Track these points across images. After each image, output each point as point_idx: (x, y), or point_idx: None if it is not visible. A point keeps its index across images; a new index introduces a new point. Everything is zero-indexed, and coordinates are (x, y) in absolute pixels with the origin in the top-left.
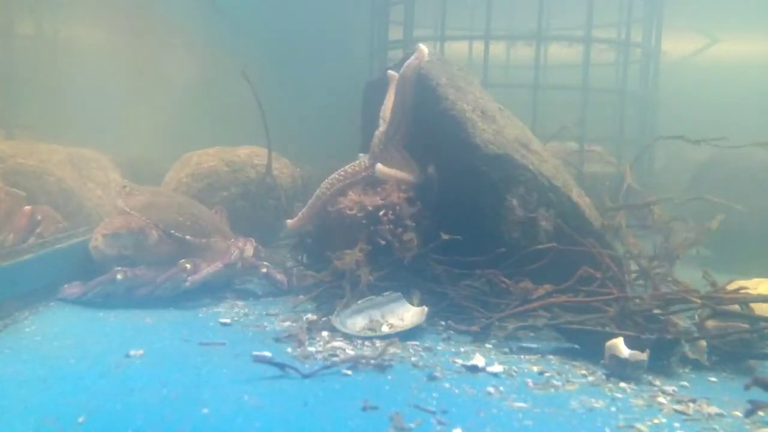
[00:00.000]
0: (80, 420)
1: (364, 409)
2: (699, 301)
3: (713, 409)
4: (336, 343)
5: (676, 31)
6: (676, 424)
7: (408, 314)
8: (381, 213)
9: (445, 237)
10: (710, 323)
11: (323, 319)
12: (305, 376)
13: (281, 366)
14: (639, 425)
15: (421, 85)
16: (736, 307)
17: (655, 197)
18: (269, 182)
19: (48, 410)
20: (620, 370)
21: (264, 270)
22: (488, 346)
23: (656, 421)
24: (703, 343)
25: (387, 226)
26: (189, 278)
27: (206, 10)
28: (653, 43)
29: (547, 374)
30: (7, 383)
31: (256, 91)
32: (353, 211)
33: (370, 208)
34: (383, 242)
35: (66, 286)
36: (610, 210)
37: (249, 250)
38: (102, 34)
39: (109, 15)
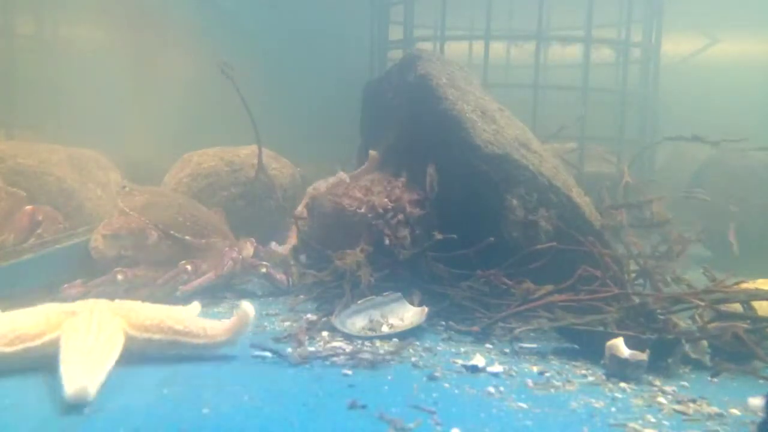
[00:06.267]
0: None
1: (363, 408)
2: (702, 303)
3: (713, 410)
4: (336, 343)
5: (676, 31)
6: (675, 424)
7: (408, 314)
8: (390, 215)
9: (439, 237)
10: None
11: (323, 319)
12: (293, 365)
13: (278, 353)
14: (636, 425)
15: (420, 85)
16: (739, 308)
17: (654, 195)
18: (264, 180)
19: (47, 410)
20: (620, 370)
21: (264, 270)
22: (488, 346)
23: (655, 420)
24: (705, 343)
25: (394, 226)
26: (180, 287)
27: (206, 9)
28: (653, 43)
29: (547, 374)
30: (6, 383)
31: (239, 87)
32: (362, 210)
33: (379, 210)
34: (388, 240)
35: (66, 286)
36: (610, 208)
37: (249, 250)
38: (102, 33)
39: (109, 14)
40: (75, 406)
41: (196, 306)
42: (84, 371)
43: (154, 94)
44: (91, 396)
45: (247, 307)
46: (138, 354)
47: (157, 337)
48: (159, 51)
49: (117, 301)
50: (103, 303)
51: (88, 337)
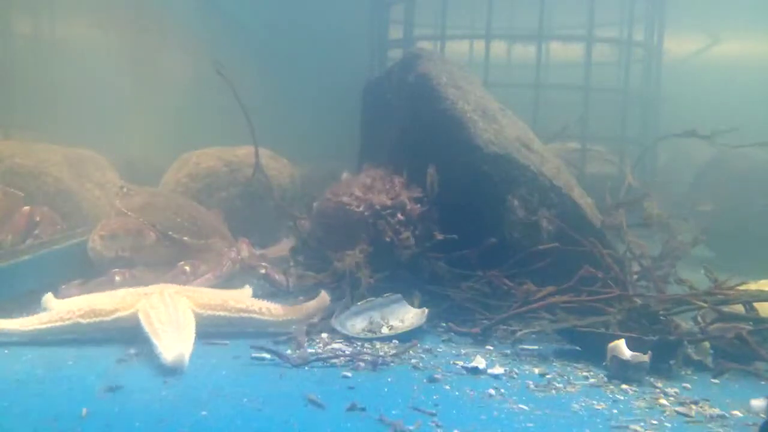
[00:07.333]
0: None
1: (363, 410)
2: (704, 304)
3: (715, 411)
4: (336, 345)
5: (678, 30)
6: (677, 426)
7: (408, 316)
8: (388, 213)
9: (440, 237)
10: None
11: (323, 320)
12: (292, 367)
13: (278, 354)
14: (638, 427)
15: (421, 84)
16: (741, 309)
17: (648, 195)
18: (261, 180)
19: (47, 411)
20: (622, 371)
21: (263, 271)
22: (489, 347)
23: (657, 422)
24: (707, 344)
25: (394, 225)
26: None
27: (205, 8)
28: (655, 42)
29: (548, 376)
30: (6, 383)
31: (234, 86)
32: (361, 208)
33: (377, 207)
34: (388, 239)
35: (64, 287)
36: (611, 208)
37: (245, 251)
38: (100, 33)
39: (107, 14)
40: (173, 370)
41: (248, 289)
42: (177, 341)
43: (152, 93)
44: (186, 362)
45: (326, 295)
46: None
47: (221, 314)
48: (157, 50)
49: (180, 285)
50: (170, 286)
51: (169, 312)
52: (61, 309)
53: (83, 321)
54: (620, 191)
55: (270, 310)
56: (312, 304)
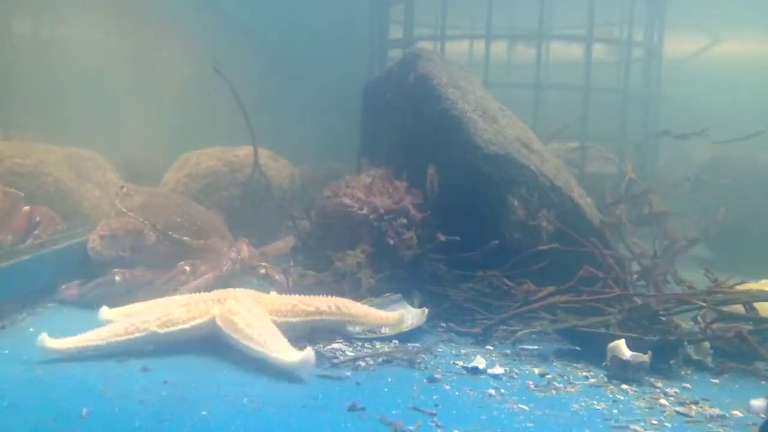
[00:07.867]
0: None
1: (363, 410)
2: (704, 303)
3: (715, 411)
4: (336, 345)
5: (678, 29)
6: (677, 426)
7: (408, 316)
8: (391, 216)
9: (442, 238)
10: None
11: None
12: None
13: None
14: (638, 427)
15: (421, 84)
16: (740, 308)
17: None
18: (260, 179)
19: (47, 411)
20: (622, 372)
21: (263, 270)
22: (489, 347)
23: (657, 422)
24: (707, 344)
25: (396, 228)
26: (179, 288)
27: (204, 7)
28: (655, 42)
29: (548, 376)
30: (6, 384)
31: (232, 86)
32: (363, 211)
33: (381, 211)
34: (391, 241)
35: (64, 287)
36: (611, 205)
37: (245, 251)
38: (100, 32)
39: (107, 14)
40: (296, 372)
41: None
42: (284, 344)
43: (152, 93)
44: (314, 361)
45: (402, 316)
46: None
47: (293, 320)
48: (157, 50)
49: (248, 290)
50: (241, 291)
51: (255, 318)
52: (134, 320)
53: (161, 330)
54: (620, 189)
55: (339, 307)
56: (391, 315)
